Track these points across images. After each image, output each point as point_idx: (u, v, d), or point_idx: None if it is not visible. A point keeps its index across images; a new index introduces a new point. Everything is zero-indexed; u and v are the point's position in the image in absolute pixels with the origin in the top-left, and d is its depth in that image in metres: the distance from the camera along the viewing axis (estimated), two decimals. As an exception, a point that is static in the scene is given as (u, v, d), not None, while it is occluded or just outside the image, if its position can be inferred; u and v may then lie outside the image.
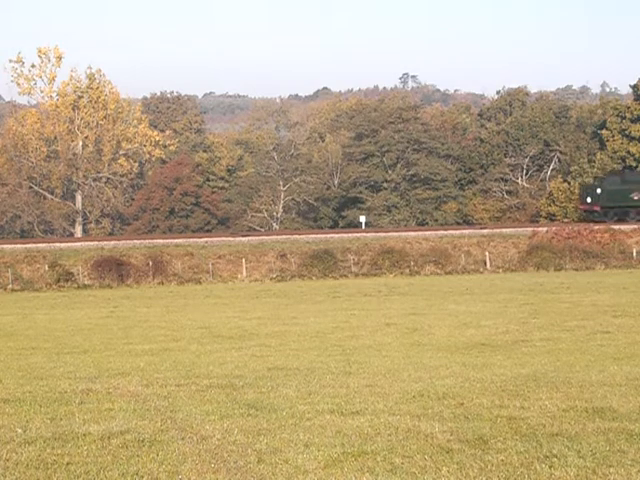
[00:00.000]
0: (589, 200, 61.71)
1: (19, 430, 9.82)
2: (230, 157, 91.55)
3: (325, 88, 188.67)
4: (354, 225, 73.91)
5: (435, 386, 12.50)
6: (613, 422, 9.82)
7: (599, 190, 61.14)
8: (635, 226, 54.94)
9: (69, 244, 52.46)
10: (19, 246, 50.75)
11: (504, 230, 55.06)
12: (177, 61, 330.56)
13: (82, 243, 53.10)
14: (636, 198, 60.79)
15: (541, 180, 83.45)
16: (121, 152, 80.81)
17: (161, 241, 52.96)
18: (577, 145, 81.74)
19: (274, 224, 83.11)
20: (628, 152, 78.07)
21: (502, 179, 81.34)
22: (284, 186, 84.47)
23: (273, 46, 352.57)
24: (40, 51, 78.68)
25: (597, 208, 60.90)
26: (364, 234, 54.51)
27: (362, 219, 69.08)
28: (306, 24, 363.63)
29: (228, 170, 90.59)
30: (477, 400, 11.28)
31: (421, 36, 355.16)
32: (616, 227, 54.24)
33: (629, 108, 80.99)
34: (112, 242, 53.16)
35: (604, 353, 16.65)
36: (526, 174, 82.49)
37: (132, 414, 10.69)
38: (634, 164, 76.13)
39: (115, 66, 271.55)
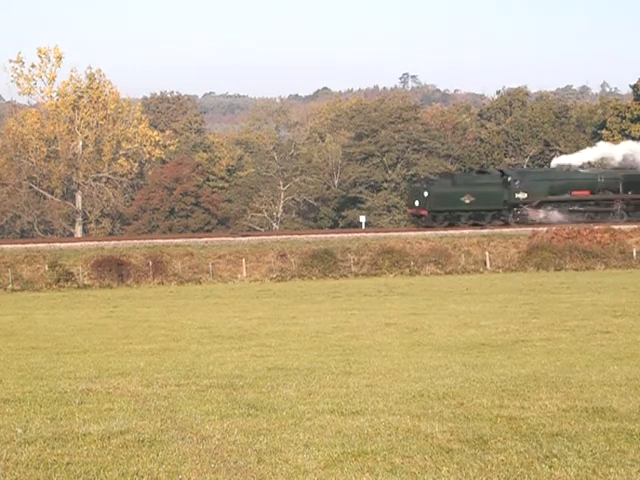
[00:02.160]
0: (417, 204, 57.10)
1: (19, 430, 9.82)
2: (230, 157, 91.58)
3: (325, 88, 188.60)
4: (354, 225, 73.92)
5: (435, 386, 12.49)
6: (613, 422, 9.82)
7: (426, 193, 56.42)
8: (635, 226, 54.82)
9: (69, 244, 52.41)
10: (19, 246, 50.71)
11: (504, 230, 55.04)
12: (177, 61, 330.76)
13: (82, 243, 53.05)
14: (468, 202, 56.57)
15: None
16: (121, 152, 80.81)
17: (161, 241, 52.94)
18: (577, 145, 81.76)
19: (274, 224, 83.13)
20: (628, 152, 78.04)
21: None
22: (284, 186, 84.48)
23: (273, 46, 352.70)
24: (40, 51, 78.70)
25: (424, 212, 56.64)
26: (364, 234, 54.48)
27: (362, 219, 69.01)
28: (306, 24, 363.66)
29: (228, 170, 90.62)
30: (477, 400, 11.28)
31: (421, 36, 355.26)
32: (616, 227, 54.20)
33: (629, 108, 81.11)
34: (112, 242, 53.12)
35: (604, 353, 16.64)
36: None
37: (132, 414, 10.70)
38: (634, 164, 76.05)
39: (115, 66, 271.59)
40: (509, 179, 58.10)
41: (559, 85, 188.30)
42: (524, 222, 57.23)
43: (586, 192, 58.87)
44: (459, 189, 56.81)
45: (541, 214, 57.94)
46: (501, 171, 61.52)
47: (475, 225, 56.49)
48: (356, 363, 15.58)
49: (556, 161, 65.17)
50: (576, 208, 58.27)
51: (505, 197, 57.60)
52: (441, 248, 50.04)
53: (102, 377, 14.13)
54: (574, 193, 58.67)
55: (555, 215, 57.99)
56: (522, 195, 57.80)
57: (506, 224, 57.11)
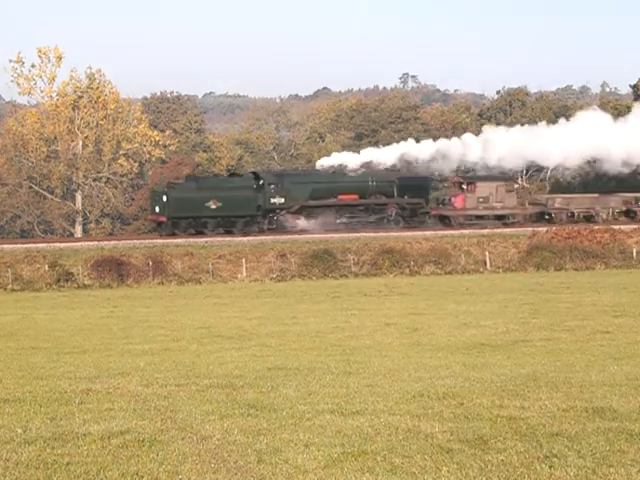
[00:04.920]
0: (157, 210, 53.32)
1: (19, 430, 9.82)
2: (230, 157, 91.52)
3: (325, 88, 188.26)
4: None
5: (435, 386, 12.50)
6: (613, 422, 9.82)
7: (165, 198, 52.42)
8: (635, 226, 54.84)
9: (69, 244, 52.42)
10: (19, 246, 50.70)
11: (504, 230, 55.02)
12: (177, 61, 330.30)
13: (82, 243, 53.05)
14: (214, 207, 52.58)
15: (541, 180, 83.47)
16: (121, 152, 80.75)
17: (161, 241, 52.89)
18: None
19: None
20: (628, 152, 77.94)
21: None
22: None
23: (273, 46, 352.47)
24: (40, 51, 78.64)
25: (163, 219, 52.87)
26: (364, 234, 54.43)
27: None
28: (306, 24, 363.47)
29: (228, 170, 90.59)
30: (477, 400, 11.28)
31: (421, 36, 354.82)
32: (616, 227, 54.21)
33: (629, 108, 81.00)
34: (112, 242, 53.11)
35: (604, 353, 16.65)
36: (526, 174, 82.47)
37: (132, 414, 10.70)
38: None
39: (115, 66, 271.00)
40: (262, 182, 53.90)
41: (559, 85, 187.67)
42: (282, 229, 53.72)
43: (355, 196, 55.10)
44: (204, 193, 52.59)
45: (302, 220, 54.35)
46: (255, 173, 57.61)
47: (227, 233, 52.98)
48: (356, 363, 15.58)
49: (320, 162, 59.95)
50: (343, 214, 54.73)
51: (259, 202, 53.47)
52: (441, 248, 50.03)
53: (102, 377, 14.13)
54: (341, 197, 54.81)
55: (319, 221, 54.34)
56: (279, 200, 53.61)
57: (261, 232, 53.34)
